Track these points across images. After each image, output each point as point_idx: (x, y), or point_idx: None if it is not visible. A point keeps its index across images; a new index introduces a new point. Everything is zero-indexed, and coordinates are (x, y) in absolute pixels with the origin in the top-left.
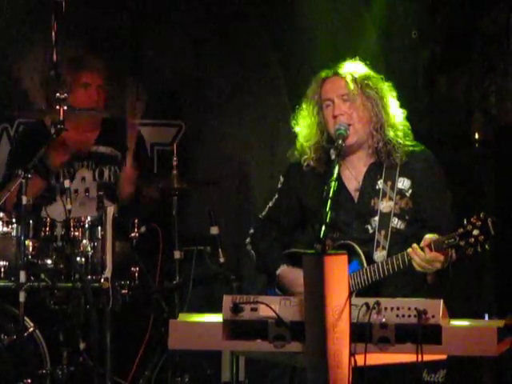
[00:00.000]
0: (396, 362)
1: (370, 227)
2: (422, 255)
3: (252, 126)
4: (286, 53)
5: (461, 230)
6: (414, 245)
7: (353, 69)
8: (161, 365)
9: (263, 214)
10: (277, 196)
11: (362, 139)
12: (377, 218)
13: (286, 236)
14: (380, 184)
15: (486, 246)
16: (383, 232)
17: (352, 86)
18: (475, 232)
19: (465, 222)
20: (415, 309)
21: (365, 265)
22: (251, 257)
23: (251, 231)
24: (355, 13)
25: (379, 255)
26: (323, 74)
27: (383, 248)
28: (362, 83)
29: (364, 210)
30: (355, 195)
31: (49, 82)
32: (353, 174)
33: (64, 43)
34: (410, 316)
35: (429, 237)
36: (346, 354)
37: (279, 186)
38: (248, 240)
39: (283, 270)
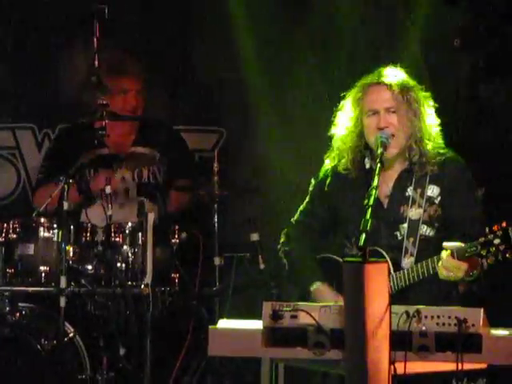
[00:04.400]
0: (435, 371)
1: (398, 234)
2: (446, 263)
3: (293, 132)
4: (326, 59)
5: (482, 239)
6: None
7: (397, 78)
8: (200, 371)
9: (295, 218)
10: (308, 199)
11: (402, 151)
12: (405, 225)
13: (317, 240)
14: (410, 191)
15: (508, 255)
16: (411, 239)
17: (398, 98)
18: (496, 241)
19: (487, 230)
20: (455, 317)
21: (392, 272)
22: (283, 264)
23: (283, 237)
24: (396, 21)
25: (407, 262)
26: (367, 80)
27: (411, 255)
28: (406, 95)
29: (393, 217)
30: (385, 201)
31: (90, 88)
32: (383, 180)
33: (105, 49)
34: (450, 324)
35: (452, 245)
36: (385, 361)
37: (311, 188)
38: (280, 246)
39: (318, 288)
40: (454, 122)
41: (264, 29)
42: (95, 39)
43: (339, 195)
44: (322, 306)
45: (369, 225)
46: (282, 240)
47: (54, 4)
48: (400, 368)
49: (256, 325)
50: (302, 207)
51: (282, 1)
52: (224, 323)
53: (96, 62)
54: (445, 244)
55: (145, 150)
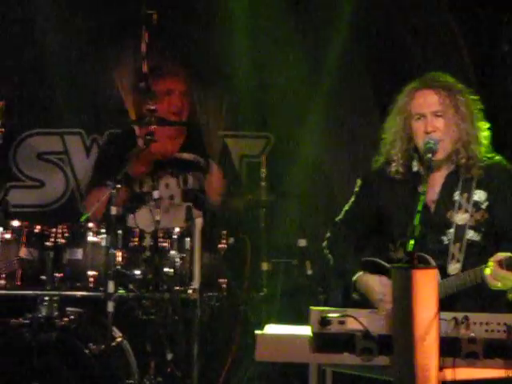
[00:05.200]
0: (484, 378)
1: (445, 239)
2: (495, 273)
3: (340, 137)
4: (373, 62)
5: None
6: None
7: (444, 82)
8: (247, 376)
9: (339, 217)
10: (353, 199)
11: (449, 155)
12: (452, 230)
13: (361, 240)
14: (456, 196)
15: None
16: (458, 244)
17: (445, 102)
18: None
19: None
20: (505, 324)
21: (439, 279)
22: (328, 261)
23: (328, 235)
24: (445, 26)
25: (453, 268)
26: (414, 85)
27: (458, 261)
28: (454, 99)
29: (439, 221)
30: (431, 206)
31: (138, 93)
32: (430, 184)
33: (152, 53)
34: (499, 331)
35: (500, 254)
36: (434, 368)
37: (356, 189)
38: (325, 244)
39: (360, 276)
40: (504, 126)
41: (313, 34)
42: (143, 45)
43: (385, 197)
44: (370, 312)
45: (417, 231)
46: (326, 238)
47: (102, 10)
48: (448, 374)
49: (303, 330)
50: (347, 207)
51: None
52: (271, 329)
53: (144, 68)
54: (498, 254)
55: (190, 156)
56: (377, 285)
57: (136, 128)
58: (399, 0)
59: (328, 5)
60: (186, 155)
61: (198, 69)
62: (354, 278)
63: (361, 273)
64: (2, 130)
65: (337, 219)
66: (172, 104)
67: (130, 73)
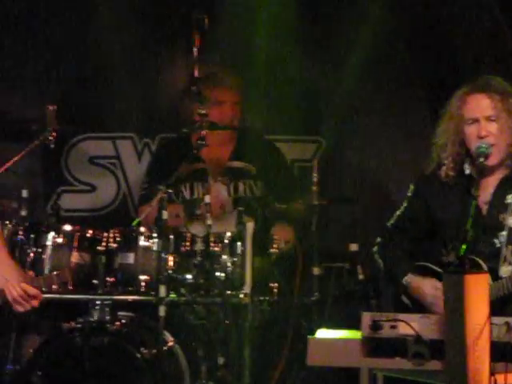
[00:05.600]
0: None
1: (497, 241)
2: None
3: (392, 141)
4: (427, 66)
5: None
6: None
7: (497, 87)
8: (299, 381)
9: (391, 222)
10: (405, 204)
11: (503, 160)
12: (504, 233)
13: (413, 245)
14: (509, 199)
15: None
16: (510, 247)
17: (498, 106)
18: None
19: None
20: None
21: (490, 281)
22: (378, 266)
23: (378, 240)
24: (496, 27)
25: (505, 270)
26: (466, 89)
27: (510, 263)
28: (507, 103)
29: (492, 224)
30: (484, 208)
31: (189, 98)
32: (483, 187)
33: (203, 60)
34: None
35: None
36: (486, 372)
37: (409, 193)
38: (375, 249)
39: (410, 278)
40: None
41: (364, 39)
42: (195, 49)
43: (437, 200)
44: (421, 317)
45: (470, 235)
46: (377, 242)
47: (155, 14)
48: (500, 379)
49: (355, 335)
50: (398, 211)
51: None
52: (323, 333)
53: (196, 72)
54: None
55: (241, 164)
56: (428, 288)
57: (188, 133)
58: (451, 3)
59: (384, 17)
60: (236, 163)
61: (249, 75)
62: (405, 280)
63: (411, 276)
64: (54, 134)
65: (388, 224)
66: (223, 114)
67: (182, 77)
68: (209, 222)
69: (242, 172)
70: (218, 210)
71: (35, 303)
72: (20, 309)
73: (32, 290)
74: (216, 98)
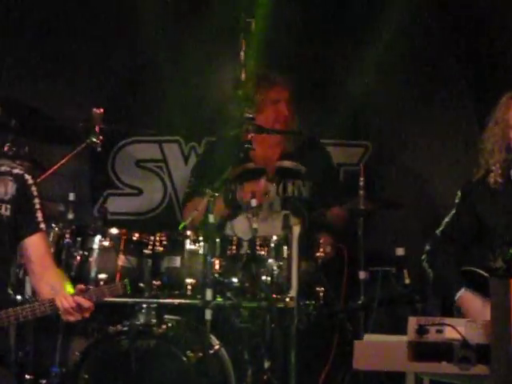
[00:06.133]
0: None
1: None
2: None
3: (438, 145)
4: (473, 72)
5: None
6: None
7: None
8: None
9: (440, 229)
10: (454, 211)
11: None
12: None
13: (462, 252)
14: None
15: None
16: None
17: None
18: None
19: None
20: None
21: None
22: (427, 275)
23: (427, 248)
24: None
25: None
26: (511, 94)
27: None
28: None
29: None
30: None
31: (236, 101)
32: None
33: (252, 61)
34: None
35: None
36: None
37: (457, 200)
38: (424, 257)
39: (464, 295)
40: None
41: (410, 43)
42: (242, 53)
43: (485, 206)
44: (468, 321)
45: None
46: (426, 251)
47: (203, 18)
48: None
49: (401, 339)
50: (447, 218)
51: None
52: (369, 337)
53: (243, 76)
54: None
55: (290, 164)
56: (479, 308)
57: (234, 136)
58: (501, 14)
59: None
60: (286, 163)
61: (297, 78)
62: (457, 296)
63: (463, 290)
64: (101, 137)
65: (437, 231)
66: (279, 112)
67: (229, 81)
68: (255, 225)
69: (292, 172)
70: (266, 210)
71: (86, 314)
72: (71, 319)
73: (85, 303)
74: (271, 98)
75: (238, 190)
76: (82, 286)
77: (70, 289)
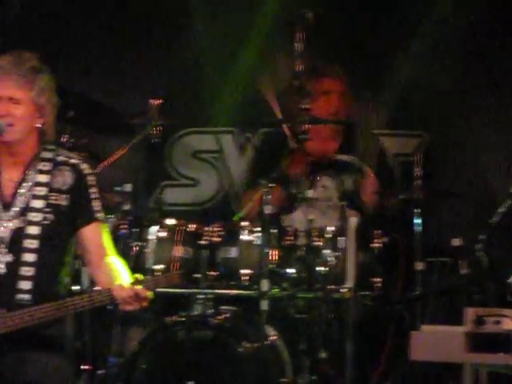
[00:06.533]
0: None
1: None
2: None
3: (495, 135)
4: None
5: None
6: None
7: None
8: (402, 376)
9: (494, 219)
10: (510, 201)
11: None
12: None
13: None
14: None
15: None
16: None
17: None
18: None
19: None
20: None
21: None
22: (481, 263)
23: (482, 237)
24: None
25: None
26: None
27: None
28: None
29: None
30: None
31: (292, 92)
32: None
33: (306, 51)
34: None
35: None
36: None
37: (511, 190)
38: (480, 246)
39: None
40: None
41: (473, 36)
42: (298, 44)
43: None
44: None
45: None
46: (480, 240)
47: (258, 9)
48: None
49: (458, 330)
50: (502, 208)
51: None
52: (426, 328)
53: (299, 67)
54: None
55: (347, 157)
56: None
57: (285, 128)
58: None
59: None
60: (342, 156)
61: (354, 68)
62: (511, 281)
63: None
64: (158, 128)
65: (491, 221)
66: (330, 105)
67: (286, 72)
68: (311, 216)
69: (349, 165)
70: (325, 204)
71: (145, 303)
72: (129, 308)
73: (142, 292)
74: (322, 89)
75: (287, 170)
76: (138, 276)
77: (128, 278)
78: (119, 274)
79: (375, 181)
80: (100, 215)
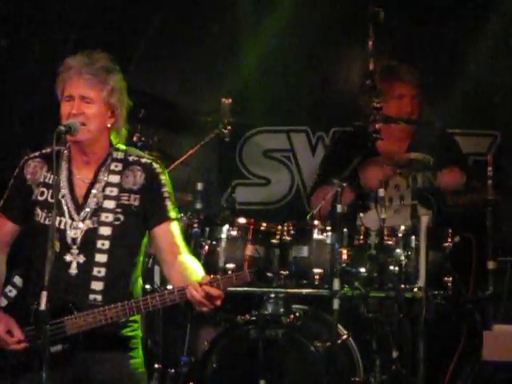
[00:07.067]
0: None
1: None
2: None
3: None
4: None
5: None
6: None
7: None
8: (473, 376)
9: None
10: None
11: None
12: None
13: None
14: None
15: None
16: None
17: None
18: None
19: None
20: None
21: None
22: None
23: None
24: None
25: None
26: None
27: None
28: None
29: None
30: None
31: (365, 91)
32: None
33: (380, 54)
34: None
35: None
36: None
37: None
38: None
39: None
40: None
41: None
42: (370, 43)
43: None
44: None
45: None
46: None
47: (330, 8)
48: None
49: None
50: None
51: None
52: (498, 328)
53: (371, 66)
54: None
55: (419, 155)
56: None
57: (362, 127)
58: None
59: None
60: (414, 155)
61: (427, 70)
62: None
63: None
64: (229, 127)
65: None
66: (402, 108)
67: (357, 71)
68: (383, 215)
69: (421, 164)
70: (397, 202)
71: (218, 303)
72: (203, 309)
73: (214, 292)
74: (395, 92)
75: (361, 176)
76: (210, 276)
77: (201, 277)
78: (193, 272)
79: (460, 175)
80: (172, 214)
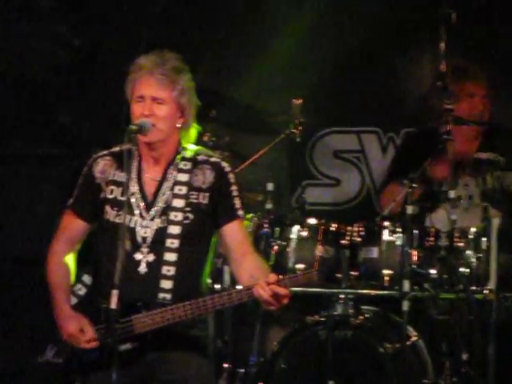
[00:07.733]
0: None
1: None
2: None
3: None
4: None
5: None
6: None
7: None
8: None
9: None
10: None
11: None
12: None
13: None
14: None
15: None
16: None
17: None
18: None
19: None
20: None
21: None
22: None
23: None
24: None
25: None
26: None
27: None
28: None
29: None
30: None
31: (436, 92)
32: None
33: (450, 53)
34: None
35: None
36: None
37: None
38: None
39: None
40: None
41: None
42: (442, 44)
43: None
44: None
45: None
46: None
47: (400, 8)
48: None
49: None
50: None
51: None
52: None
53: (443, 67)
54: None
55: (489, 155)
56: None
57: (433, 128)
58: None
59: None
60: (484, 155)
61: (498, 70)
62: None
63: None
64: (300, 128)
65: None
66: (473, 107)
67: (428, 72)
68: (453, 217)
69: (491, 163)
70: (466, 202)
71: (285, 302)
72: (272, 308)
73: (281, 291)
74: (466, 92)
75: (430, 170)
76: (277, 275)
77: (269, 276)
78: (260, 271)
79: None
80: (241, 213)
